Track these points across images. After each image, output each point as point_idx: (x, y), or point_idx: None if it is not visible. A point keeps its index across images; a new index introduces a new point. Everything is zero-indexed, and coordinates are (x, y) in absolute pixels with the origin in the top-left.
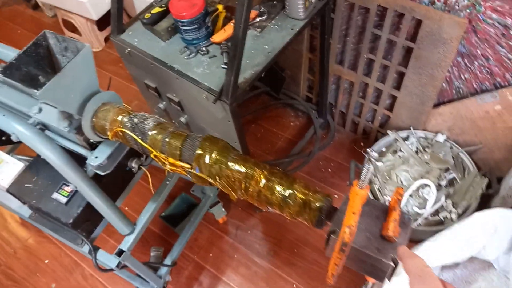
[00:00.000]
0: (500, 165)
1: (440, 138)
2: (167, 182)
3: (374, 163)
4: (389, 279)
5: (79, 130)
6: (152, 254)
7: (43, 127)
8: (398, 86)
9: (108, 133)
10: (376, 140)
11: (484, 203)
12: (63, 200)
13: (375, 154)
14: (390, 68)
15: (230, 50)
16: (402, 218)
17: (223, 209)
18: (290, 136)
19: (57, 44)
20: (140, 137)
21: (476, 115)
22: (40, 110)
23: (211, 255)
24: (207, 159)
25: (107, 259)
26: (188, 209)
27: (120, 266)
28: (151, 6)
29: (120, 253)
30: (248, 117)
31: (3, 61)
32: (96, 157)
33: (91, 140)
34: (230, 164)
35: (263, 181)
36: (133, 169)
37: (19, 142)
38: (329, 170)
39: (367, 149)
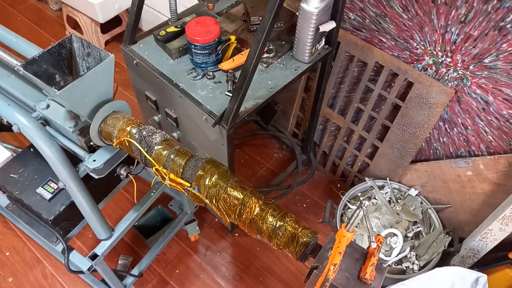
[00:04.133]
0: (463, 226)
1: (413, 192)
2: (152, 194)
3: (365, 211)
4: None
5: (82, 131)
6: (120, 262)
7: (44, 122)
8: (381, 138)
9: (114, 140)
10: (352, 184)
11: (444, 259)
12: (47, 196)
13: (366, 203)
14: (377, 120)
15: (239, 80)
16: (378, 264)
17: (197, 227)
18: (272, 166)
19: (80, 48)
20: (145, 149)
21: (449, 177)
22: (48, 106)
23: (177, 271)
24: (207, 181)
25: (79, 261)
26: (162, 222)
27: (92, 270)
28: (166, 24)
29: (93, 257)
30: (234, 141)
31: (22, 56)
32: (94, 160)
33: (91, 143)
34: (228, 189)
35: (257, 210)
36: (121, 176)
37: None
38: (304, 205)
39: (360, 198)
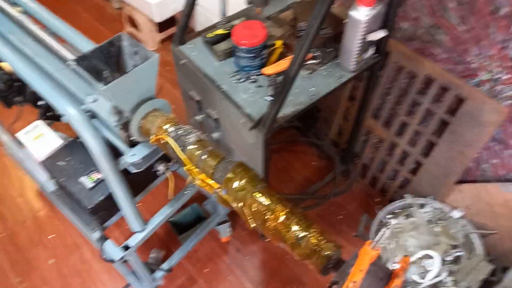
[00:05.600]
0: (508, 255)
1: (456, 214)
2: (185, 192)
3: (391, 229)
4: None
5: (124, 126)
6: (152, 255)
7: (93, 115)
8: (426, 153)
9: (151, 137)
10: (391, 200)
11: None
12: (89, 185)
13: (393, 222)
14: (423, 136)
15: (280, 85)
16: (402, 286)
17: (229, 229)
18: (309, 174)
19: (128, 46)
20: (180, 148)
21: (496, 201)
22: (95, 100)
23: (206, 270)
24: (235, 184)
25: (113, 250)
26: (196, 220)
27: (123, 260)
28: (214, 27)
29: (126, 248)
30: (273, 146)
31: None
32: (133, 155)
33: (132, 138)
34: (256, 194)
35: (283, 217)
36: (159, 172)
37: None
38: (339, 217)
39: (386, 217)
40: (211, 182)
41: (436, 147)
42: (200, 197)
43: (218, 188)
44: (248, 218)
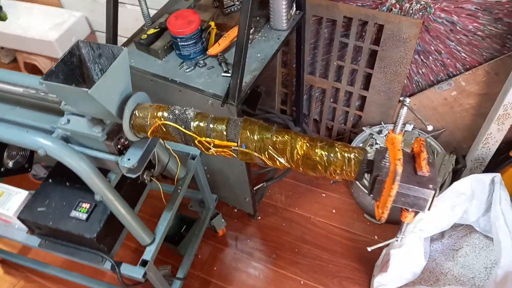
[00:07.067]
0: (462, 144)
1: (409, 127)
2: (178, 190)
3: (408, 106)
4: (429, 208)
5: (109, 136)
6: (161, 272)
7: (66, 141)
8: (366, 87)
9: (148, 129)
10: (350, 140)
11: (455, 178)
12: (83, 216)
13: (408, 99)
14: (359, 71)
15: (235, 55)
16: (428, 159)
17: (222, 220)
18: None
19: (90, 52)
20: (183, 127)
21: (436, 102)
22: (69, 121)
23: (215, 268)
24: (252, 136)
25: (131, 271)
26: (187, 228)
27: (145, 276)
28: (142, 30)
29: (144, 263)
30: None
31: None
32: (129, 159)
33: (118, 146)
34: (274, 137)
35: (306, 145)
36: (145, 181)
37: (19, 172)
38: None
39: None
40: (228, 143)
41: (373, 76)
42: (181, 206)
43: (236, 146)
44: (275, 160)
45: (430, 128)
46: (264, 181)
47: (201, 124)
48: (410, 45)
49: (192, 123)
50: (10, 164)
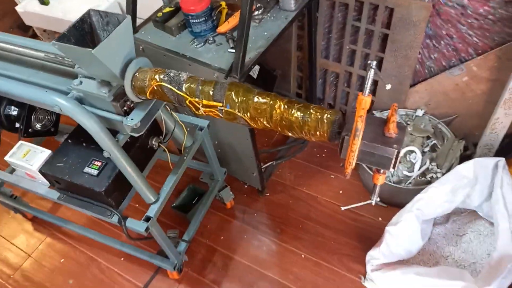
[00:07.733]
0: (473, 131)
1: (420, 112)
2: (185, 157)
3: (375, 70)
4: (394, 167)
5: (115, 97)
6: (169, 235)
7: (80, 102)
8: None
9: (146, 90)
10: None
11: None
12: (95, 172)
13: (374, 62)
14: (370, 55)
15: (238, 30)
16: (398, 124)
17: (231, 192)
18: None
19: (99, 20)
20: (176, 88)
21: (448, 88)
22: (81, 82)
23: (222, 238)
24: (236, 96)
25: (136, 225)
26: (198, 198)
27: (148, 231)
28: (160, 10)
29: (147, 219)
30: None
31: None
32: (132, 119)
33: (124, 108)
34: (255, 98)
35: (284, 107)
36: (154, 146)
37: (46, 134)
38: (323, 155)
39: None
40: (214, 103)
41: (384, 60)
42: (194, 177)
43: (222, 106)
44: (256, 120)
45: (388, 87)
46: (274, 160)
47: (192, 85)
48: (420, 29)
49: (184, 85)
50: (38, 126)
